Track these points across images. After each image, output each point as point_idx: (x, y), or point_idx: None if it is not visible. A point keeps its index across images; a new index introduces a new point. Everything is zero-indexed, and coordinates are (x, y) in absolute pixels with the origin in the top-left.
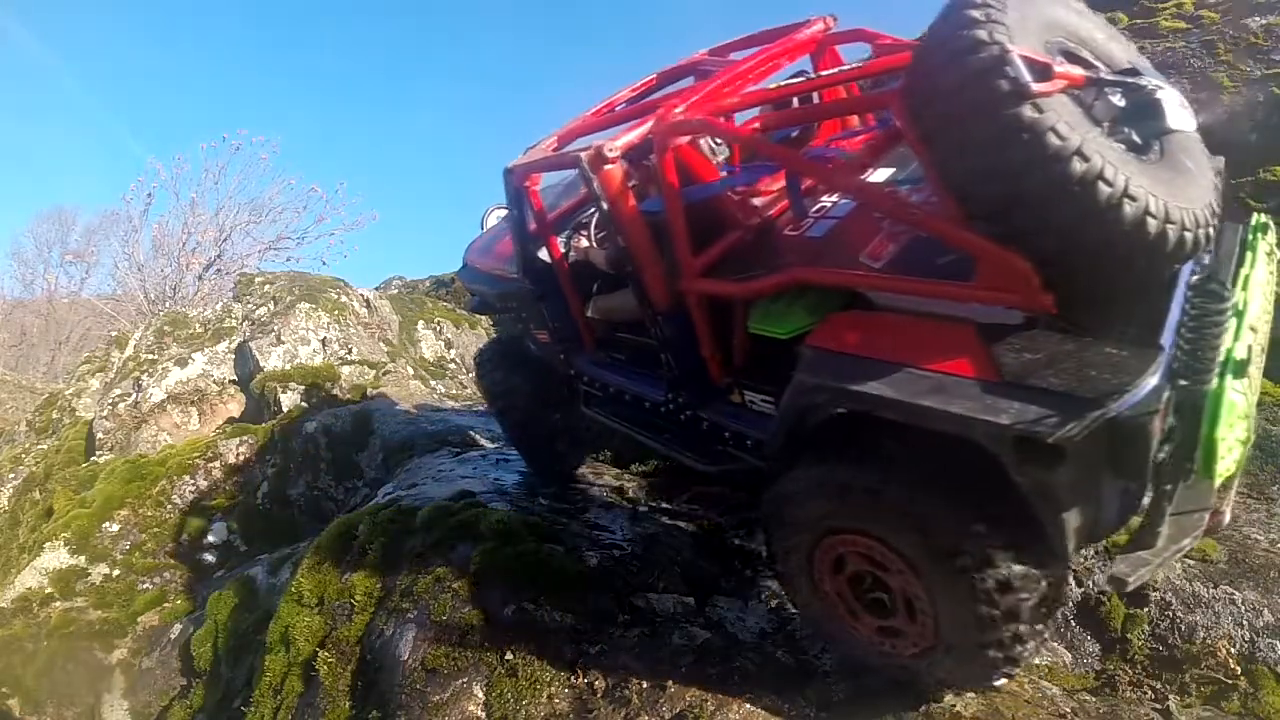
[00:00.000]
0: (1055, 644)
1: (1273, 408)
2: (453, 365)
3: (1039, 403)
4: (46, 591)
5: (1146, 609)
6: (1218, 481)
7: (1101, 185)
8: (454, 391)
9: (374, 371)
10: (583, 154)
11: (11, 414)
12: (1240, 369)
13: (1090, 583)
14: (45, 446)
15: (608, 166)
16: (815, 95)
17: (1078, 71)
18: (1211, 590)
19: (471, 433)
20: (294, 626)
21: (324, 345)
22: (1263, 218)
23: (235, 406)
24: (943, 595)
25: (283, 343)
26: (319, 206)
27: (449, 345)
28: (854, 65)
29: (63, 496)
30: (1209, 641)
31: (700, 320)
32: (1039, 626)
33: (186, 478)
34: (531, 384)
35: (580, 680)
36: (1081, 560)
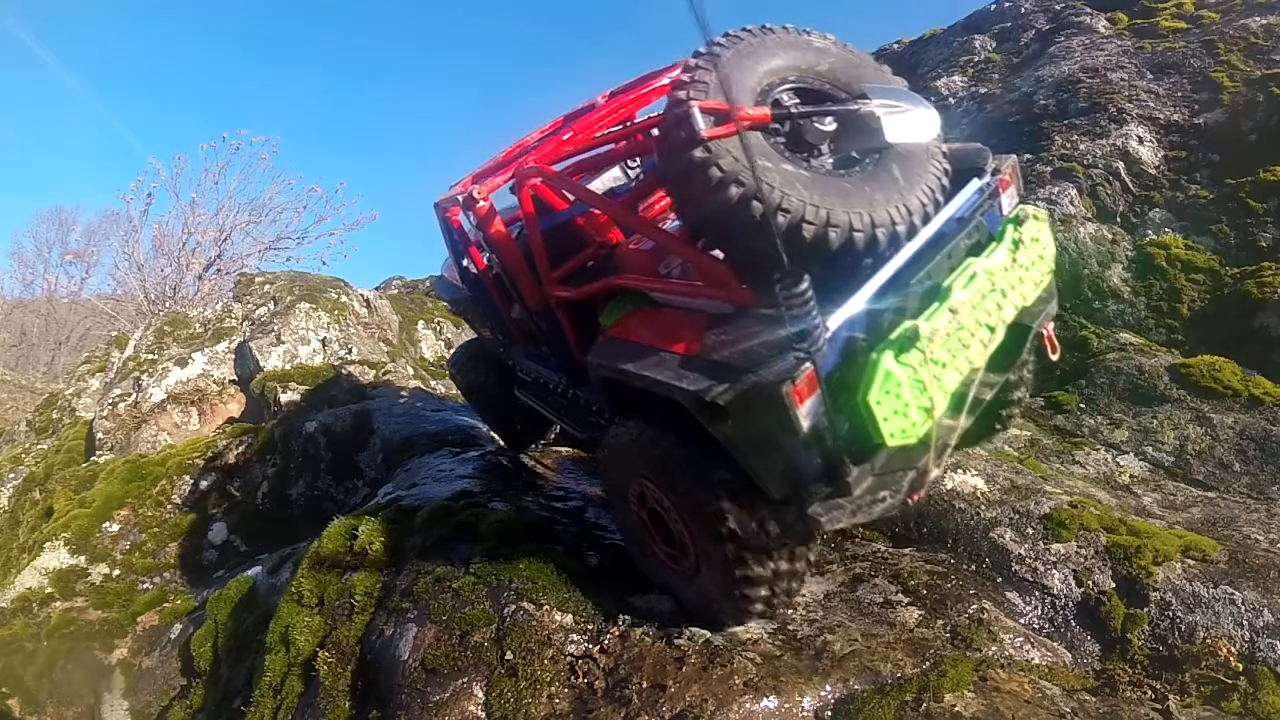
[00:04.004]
0: (1055, 644)
1: (1273, 408)
2: None
3: (710, 373)
4: (46, 591)
5: (1146, 609)
6: (891, 442)
7: (755, 204)
8: (454, 391)
9: (374, 371)
10: (460, 195)
11: (11, 414)
12: (907, 345)
13: (1090, 583)
14: (45, 446)
15: (479, 204)
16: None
17: (762, 111)
18: (1211, 590)
19: (471, 433)
20: (294, 626)
21: (324, 345)
22: (1029, 209)
23: (235, 406)
24: (697, 534)
25: (283, 343)
26: (319, 206)
27: (449, 345)
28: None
29: (63, 496)
30: (1209, 641)
31: (563, 318)
32: (777, 571)
33: (186, 478)
34: (495, 376)
35: (580, 680)
36: (1082, 560)
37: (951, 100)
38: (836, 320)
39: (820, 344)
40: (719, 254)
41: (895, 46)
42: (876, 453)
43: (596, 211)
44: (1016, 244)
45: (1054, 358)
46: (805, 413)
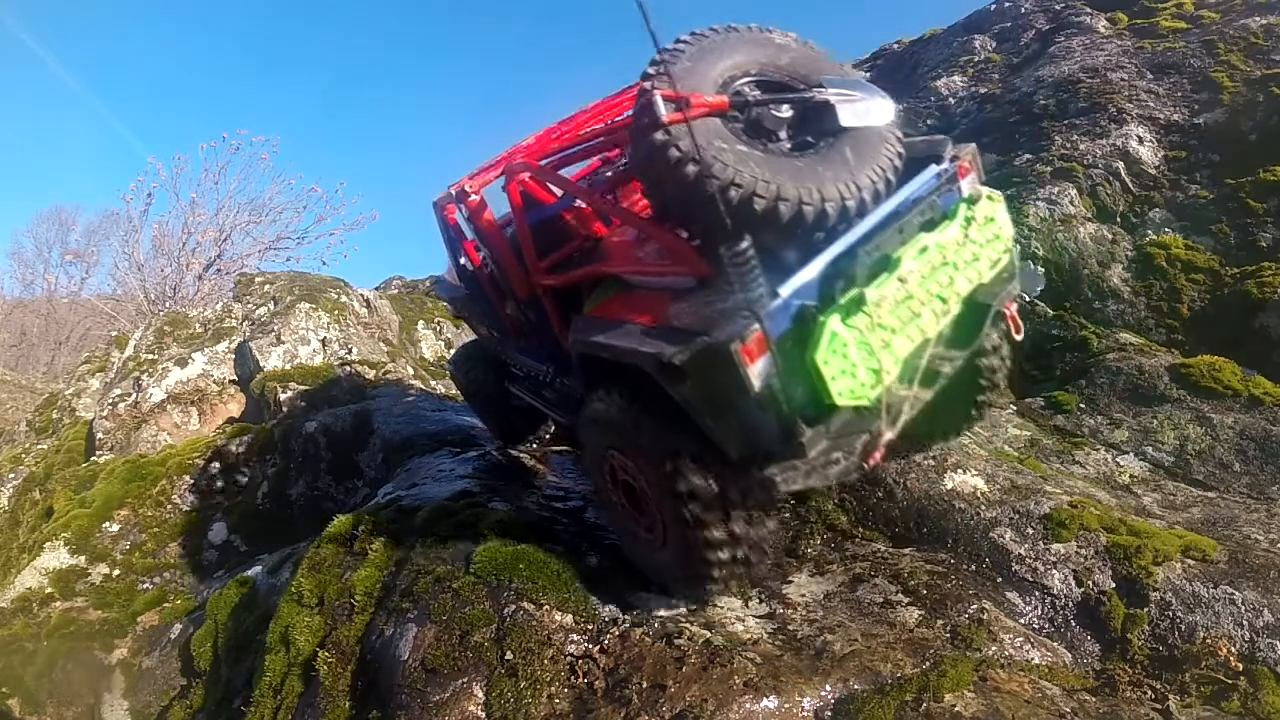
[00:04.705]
0: (1055, 644)
1: (1273, 408)
2: None
3: (669, 338)
4: (46, 591)
5: (1146, 609)
6: (841, 401)
7: (710, 180)
8: (454, 391)
9: (374, 371)
10: (453, 190)
11: (11, 414)
12: (853, 309)
13: (1090, 583)
14: (45, 446)
15: (471, 198)
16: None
17: (720, 99)
18: (1211, 590)
19: (471, 433)
20: (294, 626)
21: (324, 345)
22: (985, 190)
23: (235, 406)
24: (660, 498)
25: (283, 343)
26: (319, 206)
27: (449, 345)
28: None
29: (63, 496)
30: (1209, 641)
31: (549, 306)
32: (734, 536)
33: (186, 478)
34: (493, 374)
35: (580, 680)
36: (1082, 560)
37: (951, 100)
38: (789, 288)
39: (765, 305)
40: (684, 233)
41: (895, 46)
42: (830, 415)
43: (581, 206)
44: (969, 221)
45: (1018, 337)
46: (756, 372)
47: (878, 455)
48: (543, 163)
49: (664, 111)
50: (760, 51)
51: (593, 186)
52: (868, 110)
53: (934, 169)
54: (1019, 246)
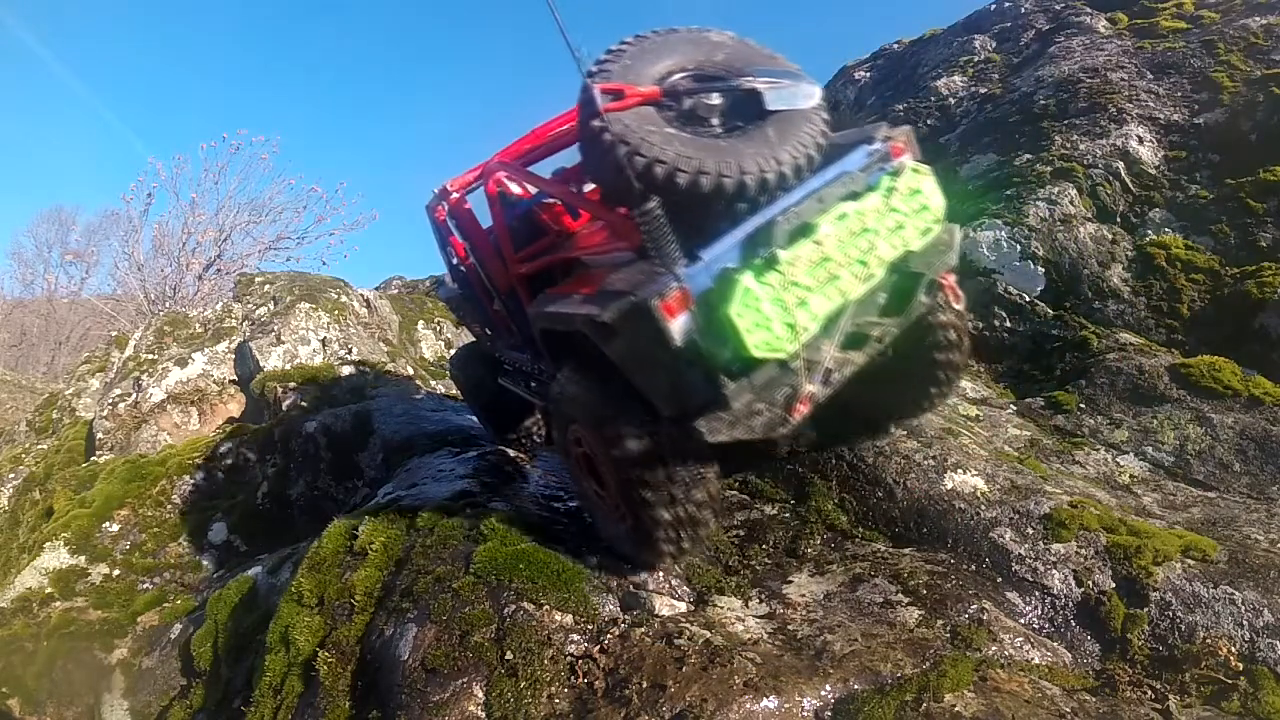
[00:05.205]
0: (1055, 644)
1: (1273, 408)
2: None
3: (601, 300)
4: (46, 591)
5: (1146, 609)
6: (757, 353)
7: (637, 158)
8: (454, 391)
9: (374, 371)
10: (436, 190)
11: (11, 414)
12: (766, 267)
13: (1090, 583)
14: (45, 446)
15: (453, 195)
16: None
17: (652, 90)
18: (1211, 590)
19: (471, 433)
20: (294, 626)
21: (324, 345)
22: (909, 164)
23: (235, 406)
24: (608, 464)
25: (283, 343)
26: (319, 206)
27: (449, 345)
28: None
29: (63, 496)
30: (1209, 641)
31: (524, 295)
32: (674, 496)
33: (186, 478)
34: (488, 372)
35: (580, 680)
36: (1082, 560)
37: (951, 100)
38: (710, 252)
39: (684, 265)
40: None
41: (895, 46)
42: (753, 370)
43: (554, 203)
44: (890, 191)
45: (958, 306)
46: (677, 327)
47: (801, 408)
48: (516, 162)
49: (601, 102)
50: (697, 49)
51: (553, 178)
52: (794, 95)
53: (865, 148)
54: (1020, 246)
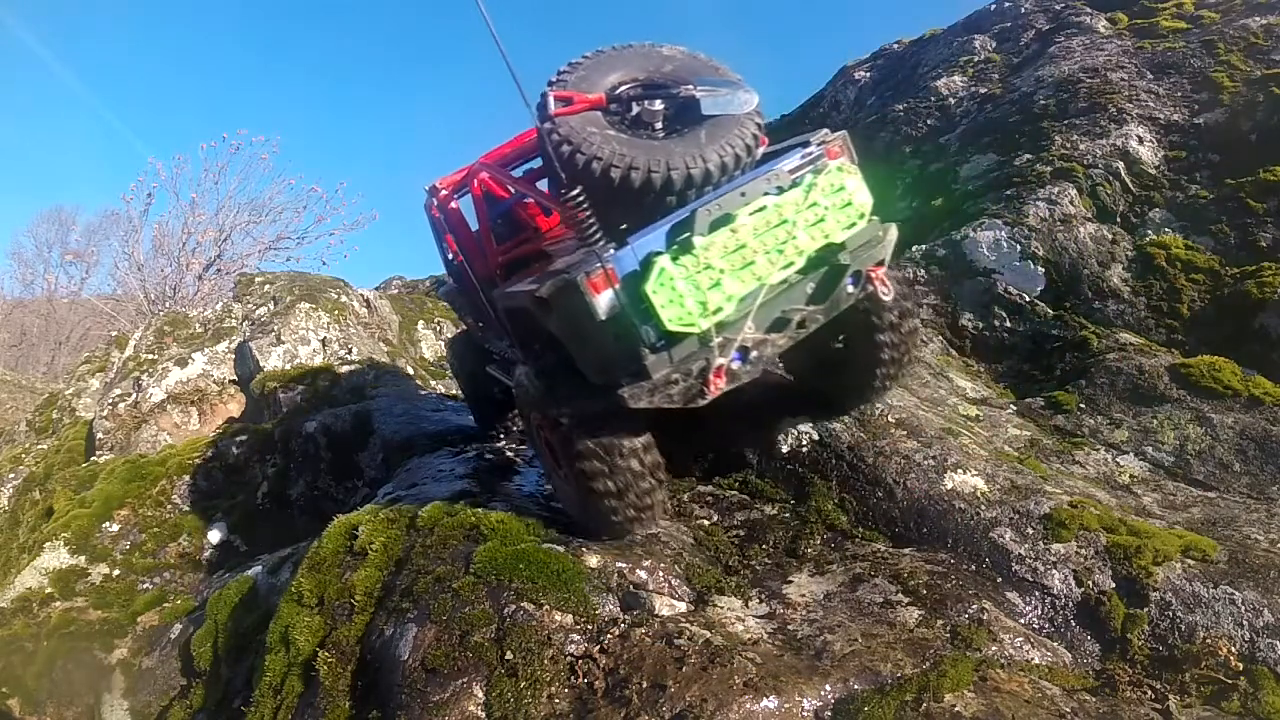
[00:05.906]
0: (1055, 644)
1: (1273, 408)
2: None
3: (542, 280)
4: (46, 591)
5: (1146, 609)
6: (671, 326)
7: (578, 156)
8: (454, 391)
9: (374, 371)
10: (427, 188)
11: (11, 414)
12: (682, 251)
13: (1090, 583)
14: (45, 446)
15: (442, 193)
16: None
17: (598, 97)
18: (1211, 590)
19: (471, 433)
20: (294, 626)
21: (324, 345)
22: (835, 164)
23: (235, 406)
24: (557, 441)
25: (283, 343)
26: (319, 206)
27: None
28: None
29: (63, 496)
30: (1209, 641)
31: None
32: (613, 467)
33: (186, 478)
34: (479, 359)
35: (580, 680)
36: (1082, 560)
37: (951, 100)
38: (638, 238)
39: (599, 242)
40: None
41: (895, 46)
42: (673, 344)
43: (529, 202)
44: (810, 187)
45: (887, 298)
46: (601, 302)
47: (717, 381)
48: (497, 164)
49: (554, 107)
50: (648, 62)
51: (524, 177)
52: (729, 101)
53: (800, 151)
54: (1019, 246)
